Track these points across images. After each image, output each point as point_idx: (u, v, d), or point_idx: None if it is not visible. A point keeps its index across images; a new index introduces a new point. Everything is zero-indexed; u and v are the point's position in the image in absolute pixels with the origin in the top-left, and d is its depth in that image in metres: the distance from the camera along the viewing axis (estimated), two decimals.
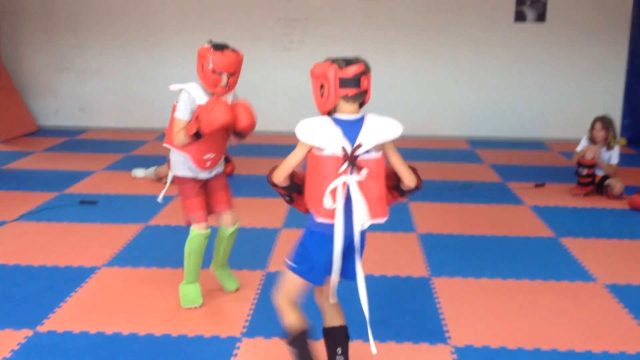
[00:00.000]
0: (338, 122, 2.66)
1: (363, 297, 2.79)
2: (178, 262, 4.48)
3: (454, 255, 4.76)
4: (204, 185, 3.89)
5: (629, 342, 3.48)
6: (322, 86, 2.70)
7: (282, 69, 9.52)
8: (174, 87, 3.84)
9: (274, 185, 2.80)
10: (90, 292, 4.03)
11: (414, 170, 2.85)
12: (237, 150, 8.03)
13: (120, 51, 9.64)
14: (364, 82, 2.69)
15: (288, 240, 5.02)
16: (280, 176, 2.73)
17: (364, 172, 2.63)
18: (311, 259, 2.77)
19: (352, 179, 2.62)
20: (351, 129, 2.65)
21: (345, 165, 2.61)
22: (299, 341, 2.82)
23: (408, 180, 2.83)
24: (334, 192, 2.63)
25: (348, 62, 2.70)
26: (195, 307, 3.83)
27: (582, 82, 9.36)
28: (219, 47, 3.62)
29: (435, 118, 9.61)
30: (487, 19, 9.27)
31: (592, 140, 6.39)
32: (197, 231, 3.78)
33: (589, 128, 6.44)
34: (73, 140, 9.05)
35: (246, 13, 9.42)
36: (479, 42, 9.35)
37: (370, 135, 2.65)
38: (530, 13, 9.24)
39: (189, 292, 3.87)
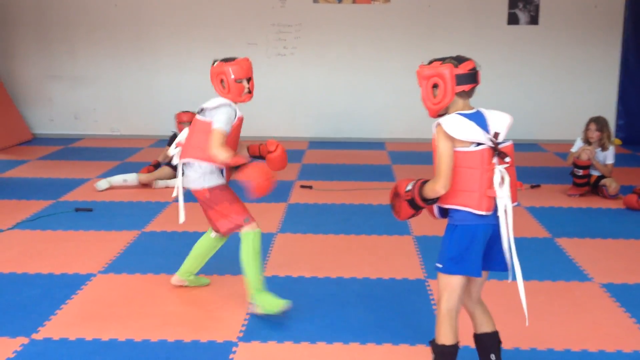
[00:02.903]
0: (467, 117, 2.72)
1: (520, 282, 2.87)
2: (174, 268, 4.47)
3: None
4: None
5: (625, 341, 3.49)
6: (434, 85, 2.77)
7: (276, 74, 9.53)
8: (211, 103, 3.74)
9: (426, 200, 2.78)
10: (86, 299, 4.02)
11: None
12: None
13: (113, 59, 9.64)
14: (479, 77, 2.78)
15: (284, 245, 5.02)
16: (447, 184, 2.68)
17: (508, 159, 2.73)
18: (469, 253, 2.76)
19: (502, 167, 2.71)
20: (479, 121, 2.73)
21: (495, 155, 2.71)
22: (447, 356, 2.83)
23: None
24: (491, 182, 2.70)
25: (460, 59, 2.76)
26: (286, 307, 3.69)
27: (576, 83, 9.40)
28: (231, 59, 3.74)
29: (429, 121, 9.46)
30: (481, 22, 9.31)
31: (586, 141, 6.40)
32: (257, 230, 3.81)
33: (583, 129, 6.46)
34: (68, 148, 9.04)
35: (239, 19, 9.43)
36: (473, 44, 9.36)
37: (499, 124, 2.75)
38: (523, 16, 9.28)
39: (269, 297, 3.74)
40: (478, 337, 2.97)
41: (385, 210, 5.96)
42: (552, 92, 9.44)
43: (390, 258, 4.74)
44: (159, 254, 4.83)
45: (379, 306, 3.92)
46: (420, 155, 8.60)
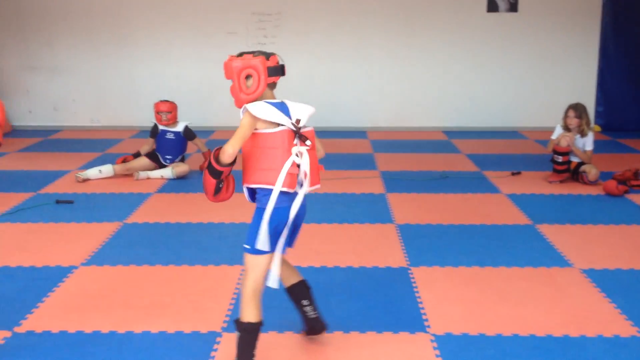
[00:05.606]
0: (272, 104, 2.96)
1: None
2: (156, 259, 4.47)
3: (432, 244, 4.79)
4: None
5: (606, 326, 3.53)
6: (247, 77, 2.93)
7: None
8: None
9: (220, 163, 2.89)
10: (68, 291, 3.99)
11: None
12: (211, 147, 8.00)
13: (91, 49, 9.55)
14: (285, 70, 3.01)
15: None
16: (235, 146, 2.88)
17: (309, 142, 3.02)
18: (276, 234, 2.98)
19: (302, 149, 2.99)
20: (283, 109, 2.98)
21: (297, 137, 3.00)
22: (252, 333, 3.00)
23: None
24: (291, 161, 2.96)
25: (267, 54, 2.98)
26: None
27: (555, 70, 9.45)
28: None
29: (411, 109, 9.65)
30: (460, 9, 9.32)
31: (566, 128, 6.45)
32: None
33: (563, 116, 6.51)
34: (47, 140, 8.96)
35: (219, 8, 9.38)
36: (452, 32, 9.39)
37: (300, 112, 3.03)
38: (502, 3, 9.31)
39: None
40: (289, 290, 3.30)
41: (368, 199, 5.98)
42: (532, 79, 9.49)
43: (374, 246, 4.75)
44: (141, 245, 4.81)
45: (363, 295, 3.93)
46: (402, 143, 8.63)
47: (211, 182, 2.95)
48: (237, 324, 2.98)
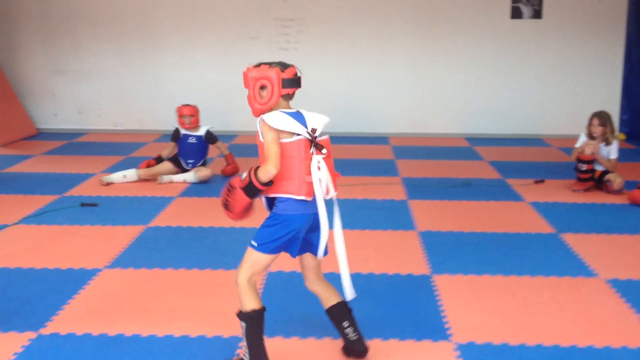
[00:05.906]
0: (288, 114, 3.02)
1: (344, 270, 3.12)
2: (180, 263, 4.49)
3: (455, 252, 4.77)
4: None
5: (631, 337, 3.49)
6: (262, 87, 2.98)
7: None
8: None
9: (261, 183, 2.93)
10: (93, 294, 4.03)
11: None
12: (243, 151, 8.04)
13: (116, 53, 9.64)
14: (301, 82, 3.07)
15: None
16: (277, 164, 2.93)
17: (325, 150, 3.03)
18: (287, 240, 3.03)
19: (319, 157, 3.02)
20: (298, 119, 3.05)
21: (313, 146, 3.04)
22: (257, 319, 3.04)
23: None
24: (309, 170, 3.00)
25: (284, 65, 3.04)
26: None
27: (579, 77, 9.38)
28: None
29: (433, 115, 9.62)
30: (483, 16, 9.29)
31: (590, 136, 6.39)
32: None
33: (587, 124, 6.46)
34: (72, 143, 9.06)
35: (242, 13, 9.43)
36: (476, 38, 9.35)
37: (316, 121, 3.08)
38: (526, 10, 9.25)
39: None
40: (328, 311, 3.22)
41: (390, 205, 5.97)
42: (556, 86, 9.42)
43: (395, 253, 4.74)
44: (164, 248, 4.84)
45: (384, 302, 3.93)
46: (425, 149, 8.60)
47: (245, 200, 2.99)
48: (241, 315, 3.02)
